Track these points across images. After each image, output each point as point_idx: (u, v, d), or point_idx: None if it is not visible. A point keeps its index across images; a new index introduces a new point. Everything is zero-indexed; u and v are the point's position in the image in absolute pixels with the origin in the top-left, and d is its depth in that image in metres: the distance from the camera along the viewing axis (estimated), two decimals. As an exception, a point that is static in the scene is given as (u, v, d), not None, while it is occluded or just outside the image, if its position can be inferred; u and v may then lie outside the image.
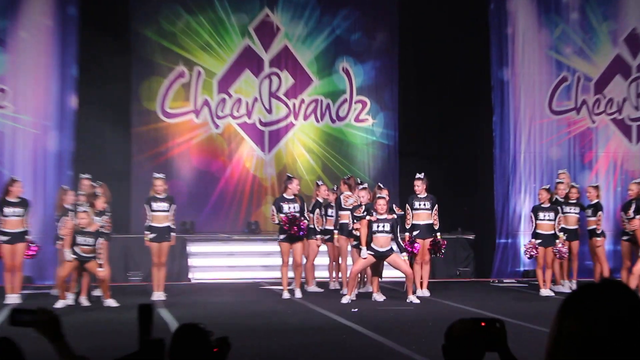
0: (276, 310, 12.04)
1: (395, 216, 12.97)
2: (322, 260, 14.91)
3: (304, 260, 14.05)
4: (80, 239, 12.18)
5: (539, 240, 13.82)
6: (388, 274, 14.37)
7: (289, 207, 13.38)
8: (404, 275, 13.07)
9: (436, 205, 13.74)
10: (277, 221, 13.39)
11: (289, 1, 18.11)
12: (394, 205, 13.56)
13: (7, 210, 12.87)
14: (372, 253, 12.70)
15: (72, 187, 14.41)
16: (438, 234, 13.71)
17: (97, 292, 13.00)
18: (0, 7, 16.00)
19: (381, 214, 12.74)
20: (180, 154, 17.87)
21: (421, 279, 13.77)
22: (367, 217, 12.78)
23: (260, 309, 12.14)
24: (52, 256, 14.39)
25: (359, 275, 13.75)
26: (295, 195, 13.52)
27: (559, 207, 14.11)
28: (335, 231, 14.16)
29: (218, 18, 17.96)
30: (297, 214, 13.32)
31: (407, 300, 12.74)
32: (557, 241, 13.81)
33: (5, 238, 12.85)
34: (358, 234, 12.99)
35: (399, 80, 18.42)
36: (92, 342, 9.13)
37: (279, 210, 13.37)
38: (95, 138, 16.80)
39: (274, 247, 15.67)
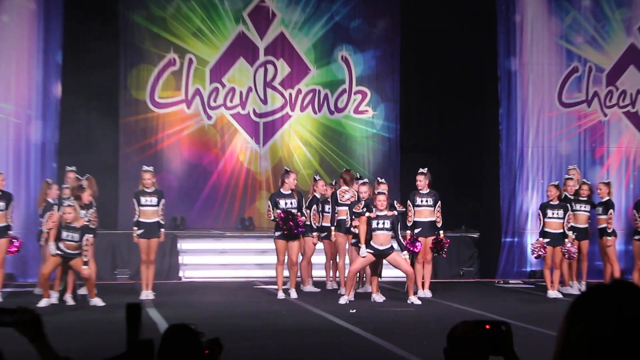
0: (271, 310, 12.04)
1: (396, 213, 12.98)
2: (319, 258, 14.91)
3: (300, 259, 14.05)
4: (65, 234, 12.18)
5: (547, 240, 13.83)
6: (388, 274, 14.38)
7: (286, 203, 13.38)
8: (404, 275, 13.08)
9: (439, 202, 13.75)
10: (273, 217, 13.39)
11: (285, -14, 18.12)
12: (395, 202, 13.56)
13: (-12, 204, 12.86)
14: (372, 251, 12.71)
15: (56, 181, 14.41)
16: (441, 232, 13.72)
17: (82, 291, 12.99)
18: (-19, -11, 15.98)
19: (381, 210, 12.75)
20: (171, 146, 17.86)
21: (423, 279, 13.78)
22: (367, 214, 12.78)
23: (254, 310, 12.15)
24: (35, 253, 14.39)
25: (358, 274, 13.75)
26: (292, 190, 13.51)
27: (568, 205, 14.11)
28: (333, 228, 14.17)
29: (211, 3, 17.94)
30: (294, 210, 13.31)
31: (408, 301, 12.75)
32: (566, 240, 13.82)
33: (-14, 233, 12.84)
34: (357, 231, 13.00)
35: (400, 70, 18.41)
36: (77, 343, 9.13)
37: (275, 206, 13.37)
38: (81, 129, 16.79)
39: (269, 244, 15.65)
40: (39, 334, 3.10)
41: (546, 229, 13.89)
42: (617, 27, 17.40)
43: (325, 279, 14.95)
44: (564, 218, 13.85)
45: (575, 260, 14.33)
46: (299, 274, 14.12)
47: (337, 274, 14.53)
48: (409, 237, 13.51)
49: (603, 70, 17.43)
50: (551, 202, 13.98)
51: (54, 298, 12.43)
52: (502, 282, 16.23)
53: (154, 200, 13.37)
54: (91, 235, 12.79)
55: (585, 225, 14.59)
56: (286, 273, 13.74)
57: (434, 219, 13.71)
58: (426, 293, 13.67)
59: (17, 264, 15.09)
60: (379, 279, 13.38)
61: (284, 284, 13.57)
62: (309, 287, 14.37)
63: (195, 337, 3.03)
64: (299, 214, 13.33)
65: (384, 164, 18.28)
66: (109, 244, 15.80)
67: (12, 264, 14.80)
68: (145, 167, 13.57)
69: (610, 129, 17.44)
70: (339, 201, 14.15)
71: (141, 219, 13.31)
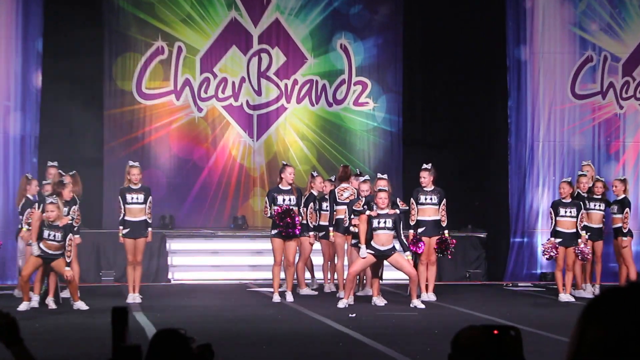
0: (265, 315, 12.05)
1: (398, 211, 12.98)
2: (316, 259, 14.92)
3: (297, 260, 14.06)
4: (47, 234, 12.17)
5: (559, 240, 13.83)
6: (390, 276, 14.39)
7: (284, 200, 13.37)
8: (407, 278, 13.09)
9: (444, 200, 13.76)
10: (270, 214, 13.38)
11: (281, -31, 18.11)
12: (397, 199, 13.57)
13: (-36, 201, 12.87)
14: (372, 252, 12.72)
15: (36, 176, 14.40)
16: (446, 231, 13.73)
17: (65, 294, 12.99)
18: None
19: (382, 208, 12.75)
20: (159, 139, 17.86)
21: (426, 281, 13.79)
22: (367, 212, 12.79)
23: (247, 314, 12.16)
24: (14, 253, 14.38)
25: (358, 276, 13.76)
26: (291, 186, 13.48)
27: (581, 203, 14.11)
28: (331, 228, 14.17)
29: (201, -13, 17.94)
30: (292, 207, 13.28)
31: (411, 305, 12.76)
32: (579, 240, 13.83)
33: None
34: (356, 231, 13.00)
35: (403, 59, 18.41)
36: (59, 350, 9.14)
37: (273, 202, 13.36)
38: (63, 121, 16.77)
39: (263, 244, 15.64)
40: (15, 338, 3.11)
41: (558, 229, 13.90)
42: (635, 13, 17.40)
43: (322, 281, 14.96)
44: (577, 217, 13.85)
45: (588, 261, 14.34)
46: (295, 275, 14.11)
47: (336, 276, 14.54)
48: (411, 237, 13.52)
49: (619, 60, 17.43)
50: (563, 200, 13.98)
51: (34, 301, 12.43)
52: (510, 284, 16.24)
53: (141, 197, 13.36)
54: (76, 236, 12.78)
55: (600, 225, 14.61)
56: (282, 275, 13.74)
57: (438, 217, 13.72)
58: (430, 296, 13.68)
59: (-5, 265, 15.10)
60: (380, 281, 13.39)
61: (280, 286, 13.57)
62: (305, 290, 14.38)
63: (185, 342, 3.03)
64: (296, 212, 13.29)
65: (385, 159, 18.28)
66: (93, 244, 15.79)
67: (-10, 265, 14.80)
68: (131, 163, 13.57)
69: (626, 123, 17.45)
70: (338, 199, 14.16)
71: (127, 218, 13.30)
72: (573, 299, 13.76)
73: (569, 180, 14.24)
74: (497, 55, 17.38)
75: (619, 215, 14.46)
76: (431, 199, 13.74)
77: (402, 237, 12.80)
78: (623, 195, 14.54)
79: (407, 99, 18.45)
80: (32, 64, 16.12)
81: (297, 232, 13.31)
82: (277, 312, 12.33)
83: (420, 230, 13.66)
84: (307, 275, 14.90)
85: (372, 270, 13.07)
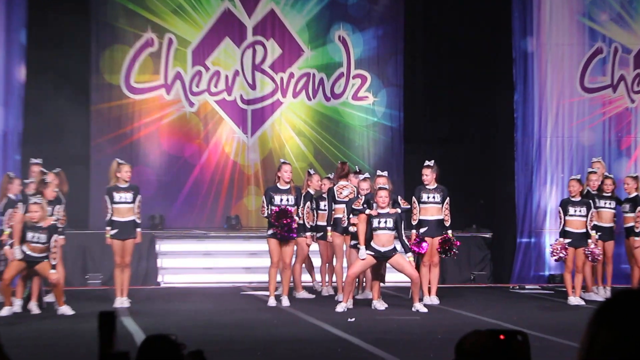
0: (260, 319, 12.05)
1: (399, 210, 12.98)
2: (314, 261, 14.92)
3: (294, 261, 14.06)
4: (30, 235, 12.15)
5: (568, 240, 13.84)
6: (391, 278, 14.39)
7: (282, 199, 13.36)
8: (408, 280, 13.09)
9: (447, 198, 13.76)
10: (267, 214, 13.37)
11: (276, -43, 18.11)
12: (398, 197, 13.57)
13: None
14: (372, 253, 12.72)
15: (19, 174, 14.38)
16: (449, 231, 13.73)
17: (49, 298, 12.98)
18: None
19: (382, 207, 12.75)
20: (148, 136, 17.85)
21: (429, 284, 13.79)
22: (367, 211, 12.79)
23: (241, 319, 12.16)
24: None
25: (357, 279, 13.76)
26: (290, 185, 13.44)
27: (591, 201, 14.11)
28: (329, 228, 14.17)
29: (193, -24, 17.94)
30: (291, 207, 13.25)
31: (413, 309, 12.76)
32: (589, 241, 13.84)
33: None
34: (355, 231, 13.00)
35: (404, 52, 18.41)
36: (43, 357, 9.13)
37: (270, 202, 13.35)
38: (48, 117, 16.75)
39: (257, 245, 15.64)
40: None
41: (567, 228, 13.90)
42: (646, 3, 17.42)
43: (320, 284, 14.96)
44: (586, 216, 13.85)
45: (599, 263, 14.35)
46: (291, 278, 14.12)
47: (334, 279, 14.54)
48: (413, 237, 13.52)
49: (630, 52, 17.44)
50: (573, 199, 13.97)
51: (17, 306, 12.42)
52: (517, 287, 16.25)
53: (129, 196, 13.35)
54: (61, 237, 12.76)
55: (611, 224, 14.61)
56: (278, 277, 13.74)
57: (441, 217, 13.72)
58: (433, 300, 13.68)
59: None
60: (383, 284, 13.39)
61: (275, 289, 13.56)
62: (302, 294, 14.38)
63: (175, 349, 3.03)
64: (293, 211, 13.24)
65: (385, 156, 18.29)
66: (79, 245, 15.79)
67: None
68: (119, 161, 13.54)
69: (638, 117, 17.47)
70: (337, 198, 14.15)
71: (115, 218, 13.29)
72: (583, 302, 13.77)
73: (579, 178, 14.24)
74: (503, 46, 17.38)
75: (631, 214, 14.46)
76: (434, 197, 13.74)
77: (404, 238, 12.80)
78: (635, 194, 14.54)
79: (409, 93, 18.45)
80: (15, 57, 16.11)
81: (294, 235, 13.28)
82: (272, 316, 12.33)
83: (422, 230, 13.66)
84: (307, 278, 14.89)
85: (372, 272, 13.06)
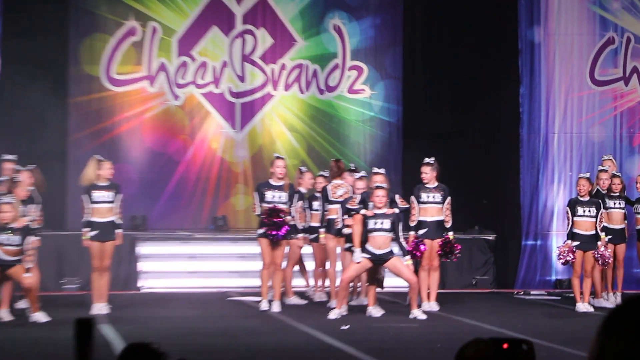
0: (247, 327, 12.05)
1: (397, 210, 12.99)
2: (306, 264, 14.91)
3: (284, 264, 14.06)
4: (2, 237, 12.13)
5: (576, 242, 13.85)
6: (388, 283, 14.39)
7: (273, 196, 13.32)
8: (406, 285, 13.09)
9: (448, 198, 13.77)
10: (258, 212, 13.34)
11: (266, -59, 18.11)
12: (396, 196, 13.56)
13: None
14: (368, 256, 12.71)
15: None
16: (450, 233, 13.74)
17: (22, 304, 12.96)
18: None
19: (379, 207, 12.75)
20: (130, 130, 17.84)
21: (428, 289, 13.80)
22: (362, 212, 12.78)
23: (227, 326, 12.16)
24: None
25: (352, 284, 13.76)
26: (284, 181, 13.37)
27: (600, 201, 14.12)
28: (322, 229, 14.16)
29: (178, -39, 17.94)
30: (283, 206, 13.21)
31: (411, 316, 12.77)
32: (599, 243, 13.85)
33: None
34: (350, 233, 13.00)
35: (403, 42, 18.42)
36: (16, 366, 9.12)
37: (261, 198, 13.32)
38: (23, 109, 16.73)
39: (246, 248, 15.64)
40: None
41: (575, 230, 13.91)
42: (660, -10, 17.45)
43: (312, 288, 14.96)
44: (596, 217, 13.86)
45: (609, 267, 14.36)
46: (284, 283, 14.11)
47: (327, 284, 14.53)
48: (412, 239, 13.52)
49: (643, 42, 17.46)
50: (581, 198, 13.97)
51: (-12, 312, 12.41)
52: (522, 293, 16.27)
53: (109, 195, 13.33)
54: (36, 238, 12.73)
55: (621, 225, 14.63)
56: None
57: (442, 218, 13.72)
58: (432, 306, 13.69)
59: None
60: (382, 290, 13.39)
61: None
62: (293, 299, 14.37)
63: (157, 358, 3.02)
64: (285, 210, 13.20)
65: (383, 153, 18.30)
66: (55, 247, 15.76)
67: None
68: (99, 158, 13.52)
69: (651, 112, 17.50)
70: (330, 197, 14.13)
71: (93, 218, 13.28)
72: (592, 309, 13.79)
73: (588, 176, 14.25)
74: (508, 36, 17.39)
75: (644, 216, 14.50)
76: (434, 197, 13.74)
77: (402, 240, 12.80)
78: (648, 193, 14.58)
79: (408, 86, 18.46)
80: (-12, 46, 16.10)
81: (280, 235, 13.20)
82: (261, 324, 12.33)
83: (421, 232, 13.66)
84: (299, 282, 14.88)
85: (368, 276, 13.06)
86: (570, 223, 13.96)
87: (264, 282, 13.38)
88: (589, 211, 13.89)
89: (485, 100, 17.91)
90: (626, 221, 14.73)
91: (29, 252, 12.21)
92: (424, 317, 12.79)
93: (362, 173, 13.92)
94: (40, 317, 12.31)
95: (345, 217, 13.34)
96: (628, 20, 17.39)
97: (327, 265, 14.45)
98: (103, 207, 13.30)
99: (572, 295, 14.20)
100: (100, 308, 13.24)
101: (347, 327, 11.89)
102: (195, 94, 18.06)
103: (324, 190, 14.27)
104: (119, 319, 12.47)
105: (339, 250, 14.04)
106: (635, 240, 14.77)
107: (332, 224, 14.01)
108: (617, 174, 14.95)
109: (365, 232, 12.71)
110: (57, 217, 16.66)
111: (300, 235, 14.19)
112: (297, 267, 14.79)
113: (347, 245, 13.33)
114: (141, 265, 16.26)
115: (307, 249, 14.58)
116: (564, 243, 14.09)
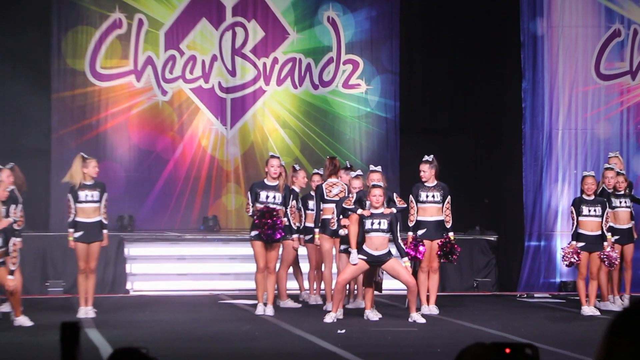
0: (240, 331, 12.05)
1: (394, 210, 12.99)
2: (302, 267, 14.91)
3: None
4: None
5: (582, 243, 13.85)
6: (386, 285, 14.39)
7: (267, 196, 13.30)
8: (405, 287, 13.10)
9: (448, 197, 13.77)
10: (251, 213, 13.32)
11: None
12: (394, 195, 13.56)
13: None
14: (365, 258, 12.71)
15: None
16: (450, 233, 13.75)
17: (5, 308, 12.95)
18: None
19: (376, 207, 12.75)
20: (116, 127, 17.82)
21: (428, 291, 13.81)
22: (359, 211, 12.78)
23: (219, 330, 12.16)
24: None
25: (348, 286, 13.76)
26: (278, 180, 13.33)
27: (606, 200, 14.13)
28: (317, 230, 14.16)
29: (166, -50, 17.93)
30: (277, 207, 13.19)
31: (410, 320, 12.77)
32: (605, 244, 13.86)
33: None
34: (346, 233, 13.00)
35: (400, 35, 18.41)
36: (-1, 372, 9.12)
37: (255, 199, 13.30)
38: (4, 105, 16.72)
39: (237, 249, 15.63)
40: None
41: (580, 230, 13.91)
42: (669, -20, 17.46)
43: (306, 291, 14.96)
44: (602, 216, 13.86)
45: (616, 268, 14.37)
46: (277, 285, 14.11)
47: (323, 286, 14.53)
48: (410, 240, 13.53)
49: (651, 35, 17.47)
50: (586, 197, 13.97)
51: (-30, 316, 12.40)
52: (525, 295, 16.28)
53: (95, 195, 13.32)
54: (18, 239, 12.72)
55: (629, 225, 14.63)
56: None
57: (441, 217, 13.73)
58: (432, 309, 13.70)
59: None
60: (380, 293, 13.38)
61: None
62: (287, 302, 14.37)
63: (145, 364, 3.02)
64: (280, 213, 13.16)
65: (379, 150, 18.29)
66: (38, 249, 15.75)
67: None
68: (84, 155, 13.50)
69: (659, 107, 17.51)
70: (325, 197, 14.12)
71: (79, 219, 13.26)
72: (598, 313, 13.79)
73: (593, 174, 14.24)
74: (510, 29, 17.40)
75: (651, 215, 14.52)
76: (433, 196, 13.74)
77: (400, 241, 12.80)
78: (655, 192, 14.59)
79: (405, 81, 18.45)
80: (-32, 39, 16.08)
81: (277, 236, 13.20)
82: (253, 328, 12.32)
83: (420, 232, 13.67)
84: (293, 285, 14.89)
85: (365, 278, 13.06)
86: (575, 223, 13.96)
87: (259, 286, 13.36)
88: (595, 211, 13.88)
89: (486, 95, 17.92)
90: (633, 221, 14.73)
91: (13, 253, 12.20)
92: (423, 320, 12.79)
93: (358, 171, 13.90)
94: (24, 321, 12.30)
95: (341, 217, 13.33)
96: (635, 12, 17.39)
97: (323, 267, 14.45)
98: (89, 206, 13.28)
99: (578, 298, 14.20)
100: (86, 311, 13.22)
101: (343, 331, 11.89)
102: (184, 89, 18.05)
103: (318, 189, 14.24)
104: (106, 322, 12.46)
105: (334, 251, 14.04)
106: (643, 241, 14.80)
107: (327, 224, 13.99)
108: (621, 172, 14.94)
109: (362, 233, 12.71)
110: (41, 217, 16.65)
111: (295, 235, 14.19)
112: (291, 269, 14.78)
113: (343, 246, 13.32)
114: (129, 267, 16.25)
115: (302, 250, 14.55)
116: (568, 244, 14.09)
